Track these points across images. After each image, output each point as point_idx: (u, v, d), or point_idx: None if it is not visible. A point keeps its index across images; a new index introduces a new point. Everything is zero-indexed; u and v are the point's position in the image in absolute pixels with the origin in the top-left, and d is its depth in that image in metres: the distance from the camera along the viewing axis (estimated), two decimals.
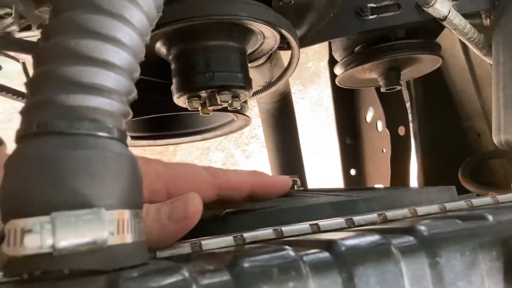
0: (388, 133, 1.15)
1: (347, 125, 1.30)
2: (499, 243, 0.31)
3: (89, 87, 0.28)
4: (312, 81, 1.74)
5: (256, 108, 1.42)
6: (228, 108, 0.67)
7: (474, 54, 1.06)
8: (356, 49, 0.87)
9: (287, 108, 1.10)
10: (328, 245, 0.29)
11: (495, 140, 0.79)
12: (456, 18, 0.77)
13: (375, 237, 0.30)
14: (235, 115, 0.82)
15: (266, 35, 0.67)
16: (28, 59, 0.61)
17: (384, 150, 1.19)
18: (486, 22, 0.87)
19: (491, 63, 0.84)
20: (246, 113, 0.82)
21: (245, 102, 0.82)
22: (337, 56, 0.90)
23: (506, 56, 0.81)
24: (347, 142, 1.29)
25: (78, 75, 0.28)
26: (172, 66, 0.65)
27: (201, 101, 0.65)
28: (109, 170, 0.26)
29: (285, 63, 0.79)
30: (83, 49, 0.29)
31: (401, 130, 1.15)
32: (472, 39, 0.81)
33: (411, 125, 1.19)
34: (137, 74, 0.32)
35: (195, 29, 0.61)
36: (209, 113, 0.68)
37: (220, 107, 0.66)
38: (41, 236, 0.23)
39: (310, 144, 1.45)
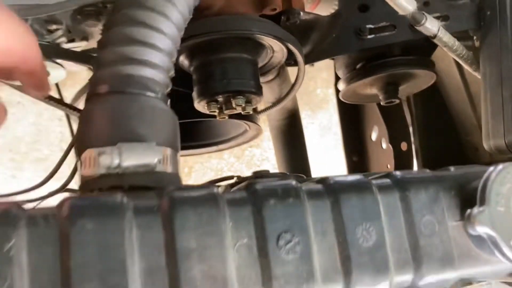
0: (392, 149, 1.24)
1: (354, 143, 1.39)
2: (457, 186, 0.40)
3: (141, 62, 0.38)
4: (320, 107, 1.85)
5: (266, 133, 1.53)
6: (242, 112, 0.77)
7: (469, 73, 1.16)
8: (357, 66, 0.97)
9: (295, 125, 1.20)
10: (321, 180, 0.38)
11: (485, 145, 0.88)
12: (445, 36, 0.88)
13: (358, 177, 0.39)
14: (247, 123, 0.92)
15: (275, 49, 0.78)
16: (70, 68, 0.72)
17: (388, 166, 1.28)
18: (477, 43, 0.98)
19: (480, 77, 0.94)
20: (258, 123, 0.92)
21: (256, 111, 0.92)
22: (340, 73, 1.01)
23: (492, 70, 0.91)
24: (354, 159, 1.38)
25: (133, 53, 0.39)
26: (194, 76, 0.76)
27: (218, 106, 0.75)
28: (156, 118, 0.37)
29: (292, 81, 0.89)
30: (136, 35, 0.39)
31: (404, 146, 1.23)
32: (461, 56, 0.91)
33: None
34: (174, 58, 0.42)
35: (214, 43, 0.72)
36: (225, 118, 0.78)
37: (235, 111, 0.76)
38: (112, 156, 0.33)
39: (319, 165, 1.55)
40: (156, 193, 0.34)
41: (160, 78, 0.39)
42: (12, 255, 0.28)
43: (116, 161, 0.33)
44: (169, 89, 0.41)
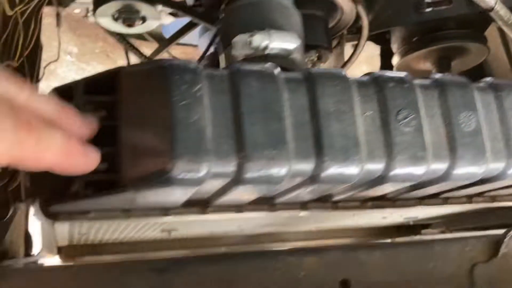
0: None
1: None
2: None
3: None
4: None
5: None
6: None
7: None
8: (413, 39, 1.04)
9: None
10: (428, 76, 0.46)
11: None
12: (502, 10, 0.94)
13: (459, 76, 0.47)
14: None
15: (345, 11, 0.85)
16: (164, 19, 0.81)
17: None
18: None
19: None
20: None
21: None
22: (395, 47, 1.08)
23: None
24: None
25: None
26: None
27: None
28: (291, 15, 0.44)
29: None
30: None
31: None
32: None
33: None
34: None
35: None
36: None
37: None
38: (263, 37, 0.41)
39: None
40: (296, 72, 0.41)
41: None
42: (199, 96, 0.36)
43: (266, 42, 0.41)
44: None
